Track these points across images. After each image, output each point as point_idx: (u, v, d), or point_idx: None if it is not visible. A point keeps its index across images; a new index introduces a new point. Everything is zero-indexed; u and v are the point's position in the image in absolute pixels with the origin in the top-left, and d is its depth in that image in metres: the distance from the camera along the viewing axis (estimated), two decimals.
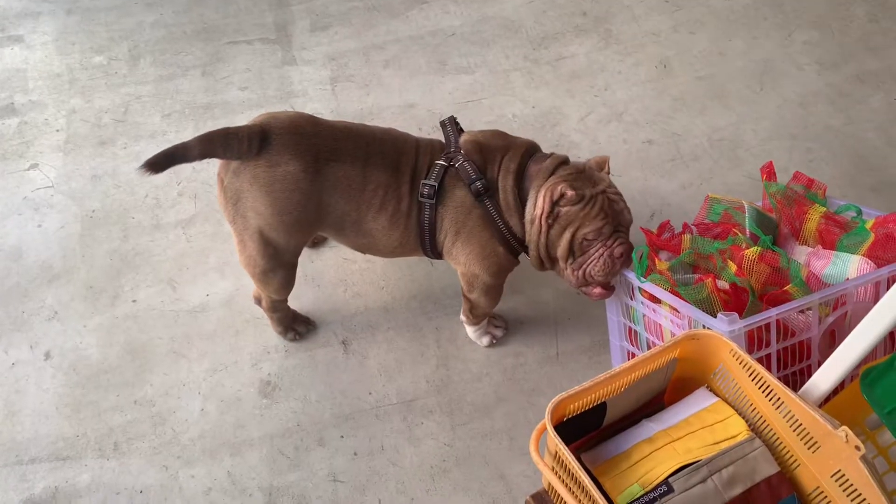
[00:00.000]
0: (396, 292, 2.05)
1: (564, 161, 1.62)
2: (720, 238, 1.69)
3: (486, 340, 1.89)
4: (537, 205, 1.57)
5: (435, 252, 1.68)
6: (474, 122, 2.47)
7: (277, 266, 1.66)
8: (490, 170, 1.60)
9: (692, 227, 1.75)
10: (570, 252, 1.58)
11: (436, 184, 1.57)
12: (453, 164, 1.59)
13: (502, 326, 1.91)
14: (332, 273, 2.09)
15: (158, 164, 1.46)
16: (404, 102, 2.56)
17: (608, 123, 2.45)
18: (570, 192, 1.53)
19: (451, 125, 1.67)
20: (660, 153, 2.38)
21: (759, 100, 2.51)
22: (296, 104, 2.56)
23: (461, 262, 1.67)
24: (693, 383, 1.43)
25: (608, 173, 1.62)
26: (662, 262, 1.62)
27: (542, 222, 1.57)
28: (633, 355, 1.75)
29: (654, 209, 2.22)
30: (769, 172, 1.76)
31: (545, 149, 2.47)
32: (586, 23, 2.71)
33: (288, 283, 1.73)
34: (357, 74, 2.65)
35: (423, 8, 2.79)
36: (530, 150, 1.64)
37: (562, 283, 2.04)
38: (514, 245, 1.64)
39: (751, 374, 1.31)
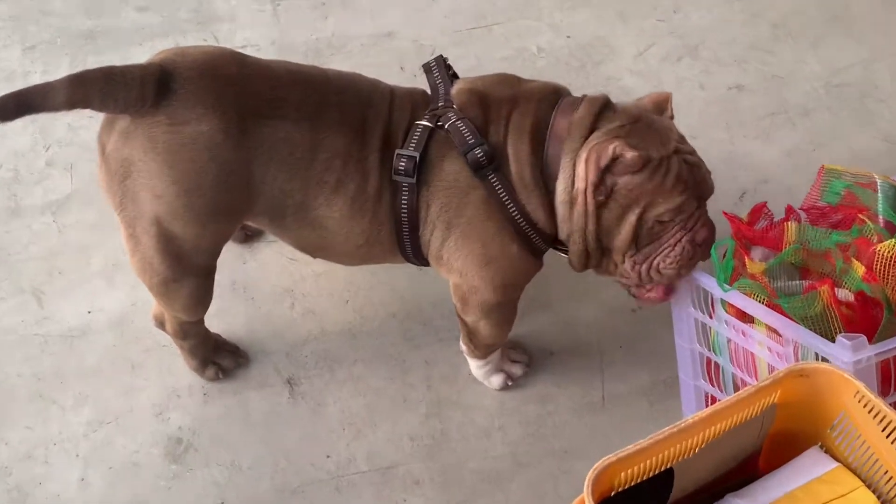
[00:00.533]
0: (367, 308, 2.03)
1: (606, 104, 1.63)
2: (841, 227, 1.69)
3: (497, 381, 1.91)
4: (577, 176, 1.57)
5: (418, 255, 1.71)
6: (482, 62, 2.46)
7: (185, 272, 1.67)
8: (494, 131, 1.61)
9: (800, 211, 1.75)
10: (635, 240, 1.60)
11: (417, 154, 1.59)
12: (442, 125, 1.60)
13: (522, 362, 1.93)
14: (272, 280, 2.07)
15: (6, 109, 1.46)
16: (379, 30, 2.53)
17: (678, 62, 2.44)
18: (629, 153, 1.52)
19: (440, 68, 1.69)
20: (754, 105, 2.37)
21: None
22: (219, 33, 2.54)
23: (455, 268, 1.69)
24: (800, 440, 1.42)
25: (671, 117, 1.64)
26: (756, 263, 1.62)
27: (589, 199, 1.57)
28: (715, 399, 1.74)
29: (745, 187, 2.21)
30: None
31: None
32: None
33: (201, 297, 1.74)
34: None
35: None
36: (552, 98, 1.65)
37: (608, 292, 2.02)
38: (534, 239, 1.66)
39: (886, 428, 1.30)
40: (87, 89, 1.50)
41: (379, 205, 1.64)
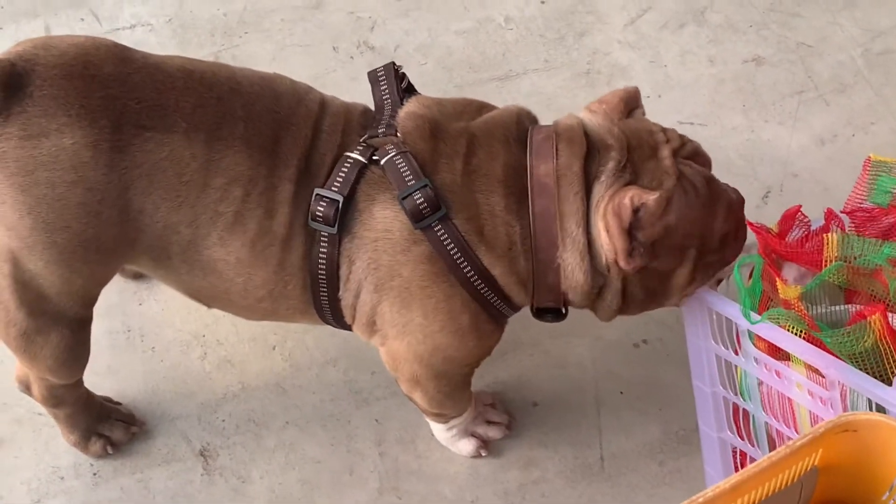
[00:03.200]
0: (300, 355, 2.03)
1: (585, 134, 1.64)
2: (893, 237, 1.70)
3: (467, 448, 1.91)
4: (604, 247, 1.59)
5: (340, 319, 1.71)
6: (436, 38, 2.48)
7: (50, 324, 1.66)
8: (446, 168, 1.61)
9: (842, 216, 1.76)
10: (692, 278, 1.67)
11: (341, 198, 1.58)
12: (377, 160, 1.59)
13: (501, 423, 1.93)
14: (177, 324, 2.06)
15: None
16: (304, 1, 2.53)
17: (680, 29, 2.46)
18: (649, 198, 1.55)
19: (390, 79, 1.70)
20: (776, 81, 2.39)
21: None
22: (101, 10, 2.52)
23: (389, 337, 1.69)
24: None
25: (643, 113, 1.69)
26: (790, 287, 1.61)
27: (626, 268, 1.60)
28: (744, 455, 1.74)
29: (770, 185, 2.23)
30: None
31: (566, 80, 2.47)
32: None
33: (73, 353, 1.72)
34: None
35: None
36: (517, 132, 1.65)
37: (605, 326, 1.98)
38: (497, 305, 1.67)
39: None
40: None
41: (287, 252, 1.62)
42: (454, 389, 1.79)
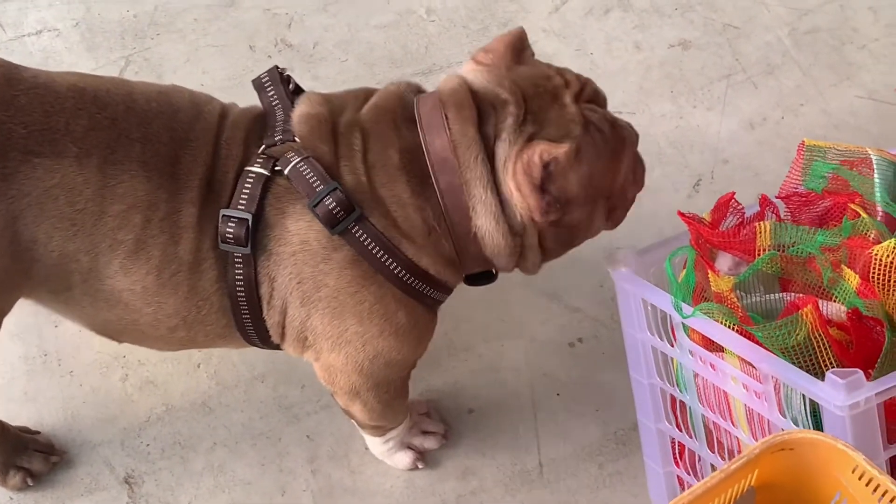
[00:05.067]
0: (226, 372, 2.01)
1: (470, 93, 1.62)
2: (830, 219, 1.70)
3: (404, 461, 1.91)
4: (516, 205, 1.59)
5: (266, 340, 1.69)
6: (356, 33, 2.46)
7: None
8: (347, 168, 1.60)
9: (777, 201, 1.75)
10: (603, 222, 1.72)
11: (249, 216, 1.56)
12: (280, 169, 1.58)
13: (437, 433, 1.93)
14: (95, 345, 2.02)
15: None
16: None
17: (605, 15, 2.47)
18: (560, 152, 1.54)
19: (276, 85, 1.68)
20: (704, 64, 2.40)
21: None
22: (5, 16, 2.47)
23: (324, 350, 1.67)
24: None
25: (532, 54, 1.69)
26: (722, 279, 1.61)
27: (541, 222, 1.60)
28: (683, 447, 1.75)
29: (700, 172, 2.24)
30: None
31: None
32: None
33: None
34: None
35: None
36: (403, 111, 1.64)
37: (538, 323, 2.05)
38: (430, 295, 1.67)
39: None
40: None
41: (197, 277, 1.59)
42: (394, 398, 1.78)
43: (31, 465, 1.85)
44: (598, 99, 1.67)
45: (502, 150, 1.58)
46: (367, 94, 1.68)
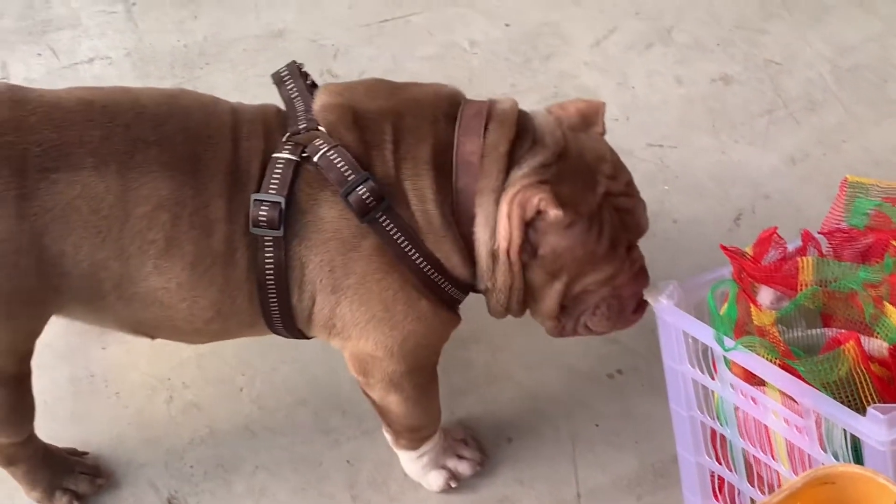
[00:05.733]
0: (269, 396, 2.01)
1: (521, 122, 1.65)
2: (872, 255, 1.69)
3: (437, 481, 1.90)
4: (499, 232, 1.62)
5: (291, 328, 1.69)
6: (400, 63, 2.48)
7: None
8: (380, 159, 1.62)
9: (819, 237, 1.75)
10: (562, 308, 1.71)
11: (282, 199, 1.58)
12: (308, 157, 1.59)
13: (470, 458, 1.92)
14: (142, 367, 2.04)
15: None
16: (266, 29, 2.54)
17: (647, 50, 2.48)
18: (553, 211, 1.58)
19: (294, 78, 1.69)
20: (745, 100, 2.39)
21: None
22: (58, 44, 2.51)
23: (353, 338, 1.69)
24: None
25: (602, 133, 1.70)
26: (765, 313, 1.60)
27: (514, 259, 1.63)
28: (723, 481, 1.74)
29: (741, 206, 2.23)
30: None
31: (533, 104, 2.44)
32: None
33: (14, 410, 1.71)
34: None
35: None
36: (448, 110, 1.67)
37: (578, 354, 2.05)
38: (448, 290, 1.69)
39: None
40: None
41: (231, 267, 1.61)
42: (428, 382, 1.79)
43: (77, 487, 1.85)
44: (628, 216, 1.69)
45: (515, 175, 1.61)
46: (393, 86, 1.71)
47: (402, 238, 1.61)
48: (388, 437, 1.87)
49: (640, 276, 1.73)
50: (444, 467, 1.88)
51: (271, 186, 1.58)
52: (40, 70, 2.43)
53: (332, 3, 2.56)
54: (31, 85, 1.66)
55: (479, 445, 1.94)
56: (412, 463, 1.88)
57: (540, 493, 1.90)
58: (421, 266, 1.63)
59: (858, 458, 1.45)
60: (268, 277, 1.61)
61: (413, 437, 1.83)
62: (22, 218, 1.51)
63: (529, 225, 1.60)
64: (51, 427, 1.85)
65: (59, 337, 1.98)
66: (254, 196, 1.58)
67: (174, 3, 2.57)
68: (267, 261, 1.60)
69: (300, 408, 1.99)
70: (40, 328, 1.66)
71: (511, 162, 1.62)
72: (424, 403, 1.79)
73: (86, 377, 2.02)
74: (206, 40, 2.50)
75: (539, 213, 1.58)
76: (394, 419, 1.80)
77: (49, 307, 1.62)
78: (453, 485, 1.89)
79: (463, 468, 1.90)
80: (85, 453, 1.92)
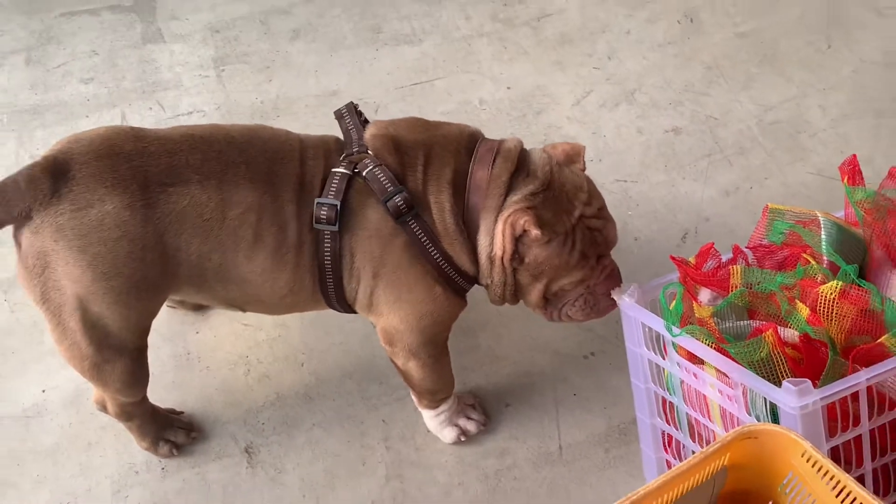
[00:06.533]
0: (322, 370, 2.02)
1: (520, 157, 1.68)
2: (787, 265, 1.69)
3: (449, 435, 1.90)
4: (496, 243, 1.66)
5: (342, 303, 1.72)
6: (425, 115, 2.41)
7: (115, 354, 1.65)
8: (412, 178, 1.65)
9: (746, 250, 1.76)
10: (545, 301, 1.75)
11: (338, 202, 1.60)
12: (359, 172, 1.62)
13: (477, 420, 1.92)
14: (226, 347, 2.05)
15: None
16: (323, 90, 2.54)
17: (616, 107, 2.47)
18: (534, 231, 1.61)
19: (352, 115, 1.72)
20: (691, 146, 2.40)
21: (826, 62, 2.53)
22: (165, 100, 2.52)
23: (383, 314, 1.71)
24: (752, 500, 1.41)
25: (583, 168, 1.71)
26: (703, 308, 1.61)
27: (507, 265, 1.67)
28: (671, 437, 1.75)
29: (687, 227, 2.23)
30: (852, 172, 1.76)
31: (527, 146, 2.47)
32: None
33: (135, 376, 1.72)
34: (253, 52, 2.63)
35: None
36: (468, 145, 1.69)
37: (562, 341, 2.05)
38: (458, 281, 1.71)
39: (835, 488, 1.29)
40: None
41: (300, 254, 1.63)
42: (441, 353, 1.78)
43: (175, 438, 1.87)
44: (597, 233, 1.69)
45: (511, 200, 1.64)
46: (427, 123, 1.74)
47: (425, 238, 1.64)
48: (413, 398, 1.88)
49: (612, 277, 1.73)
50: (456, 425, 1.89)
51: (330, 192, 1.61)
52: (151, 120, 2.45)
53: (374, 71, 2.57)
54: None
55: (483, 409, 1.94)
56: (432, 420, 1.88)
57: (530, 447, 1.90)
58: (438, 261, 1.66)
59: (776, 420, 1.45)
60: (326, 263, 1.64)
61: (432, 398, 1.84)
62: (147, 221, 1.54)
63: (518, 240, 1.64)
64: (157, 392, 1.86)
65: (163, 323, 1.99)
66: (317, 200, 1.60)
67: (253, 70, 2.58)
68: (326, 250, 1.63)
69: (347, 379, 2.00)
70: (158, 308, 1.68)
71: (509, 189, 1.64)
72: (438, 370, 1.79)
73: (183, 354, 2.04)
74: (278, 98, 2.51)
75: (525, 231, 1.61)
76: (416, 383, 1.80)
77: (166, 291, 1.64)
78: (463, 439, 1.89)
79: (471, 426, 1.90)
80: (181, 413, 1.93)
